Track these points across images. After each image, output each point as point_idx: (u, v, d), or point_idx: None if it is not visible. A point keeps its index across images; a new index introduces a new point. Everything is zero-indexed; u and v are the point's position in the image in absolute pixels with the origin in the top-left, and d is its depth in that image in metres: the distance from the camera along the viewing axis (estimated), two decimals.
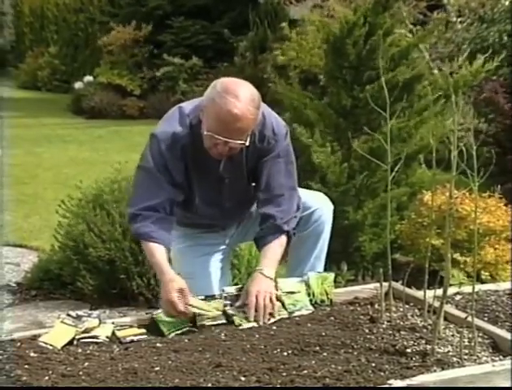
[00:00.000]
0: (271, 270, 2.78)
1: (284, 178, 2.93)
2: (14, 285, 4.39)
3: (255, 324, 2.58)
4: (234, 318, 2.60)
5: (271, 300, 2.66)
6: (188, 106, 2.92)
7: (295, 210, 2.96)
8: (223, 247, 3.14)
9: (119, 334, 2.46)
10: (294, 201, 2.96)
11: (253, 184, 2.99)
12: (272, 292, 2.70)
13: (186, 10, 13.41)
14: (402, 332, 2.44)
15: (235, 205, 3.03)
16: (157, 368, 2.18)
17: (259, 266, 2.81)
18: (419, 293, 2.68)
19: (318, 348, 2.31)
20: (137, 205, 2.82)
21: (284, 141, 2.92)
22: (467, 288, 2.84)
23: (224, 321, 2.59)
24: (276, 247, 2.88)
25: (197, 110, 2.83)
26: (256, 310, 2.62)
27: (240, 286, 2.80)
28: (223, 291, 2.73)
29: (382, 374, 2.12)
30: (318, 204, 3.13)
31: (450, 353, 2.28)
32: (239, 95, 2.65)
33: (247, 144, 2.75)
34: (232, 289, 2.74)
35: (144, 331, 2.49)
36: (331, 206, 3.18)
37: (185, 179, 2.87)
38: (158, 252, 2.74)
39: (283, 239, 2.90)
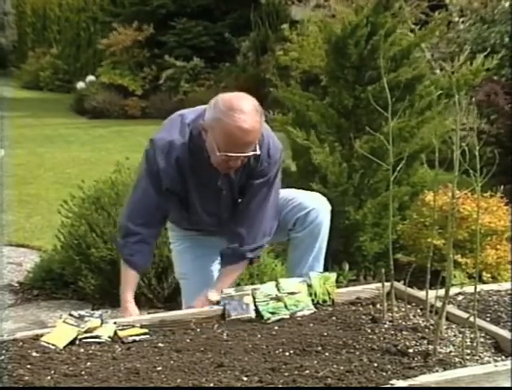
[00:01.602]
0: (216, 294, 2.83)
1: (266, 205, 2.97)
2: (16, 285, 4.39)
3: None
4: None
5: None
6: (189, 115, 2.90)
7: (267, 234, 3.00)
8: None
9: (121, 334, 2.46)
10: (267, 226, 3.00)
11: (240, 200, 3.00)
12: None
13: (189, 10, 13.41)
14: (404, 332, 2.44)
15: (232, 216, 3.03)
16: (159, 368, 2.18)
17: (211, 288, 2.89)
18: (421, 293, 2.68)
19: (320, 348, 2.31)
20: (127, 218, 2.91)
21: (275, 167, 2.94)
22: (469, 288, 2.84)
23: None
24: (234, 272, 2.99)
25: (198, 121, 2.82)
26: None
27: (239, 287, 2.82)
28: (221, 292, 2.75)
29: (384, 374, 2.11)
30: (315, 204, 3.13)
31: (452, 353, 2.27)
32: (244, 110, 2.66)
33: (258, 152, 2.77)
34: (230, 290, 2.75)
35: (146, 330, 2.49)
36: (328, 207, 3.17)
37: (182, 189, 2.88)
38: (129, 277, 2.92)
39: (243, 264, 3.01)
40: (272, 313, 2.64)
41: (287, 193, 3.18)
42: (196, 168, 2.85)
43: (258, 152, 2.77)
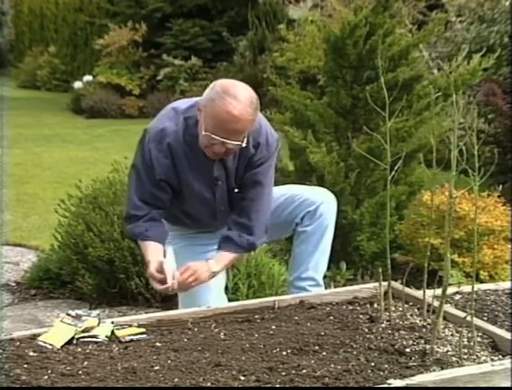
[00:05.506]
0: (216, 265, 2.88)
1: (268, 197, 2.98)
2: (13, 284, 4.39)
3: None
4: None
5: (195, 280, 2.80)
6: (183, 105, 2.94)
7: (268, 228, 3.01)
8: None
9: (118, 333, 2.46)
10: (268, 220, 3.00)
11: (237, 190, 3.00)
12: (200, 278, 2.81)
13: (186, 10, 13.39)
14: (401, 332, 2.44)
15: (228, 207, 3.03)
16: (156, 367, 2.18)
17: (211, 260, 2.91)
18: (419, 293, 2.68)
19: (317, 347, 2.31)
20: (129, 206, 2.93)
21: (274, 154, 2.97)
22: (467, 288, 2.84)
23: None
24: (233, 257, 2.97)
25: (193, 110, 2.84)
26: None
27: None
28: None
29: (381, 373, 2.11)
30: (322, 198, 3.16)
31: (449, 353, 2.28)
32: (238, 96, 2.68)
33: (244, 145, 2.77)
34: None
35: (143, 330, 2.49)
36: (334, 200, 3.21)
37: (176, 177, 2.88)
38: (149, 247, 2.86)
39: (245, 253, 3.05)
40: None
41: (291, 189, 3.21)
42: (191, 157, 2.86)
43: (244, 144, 2.78)
